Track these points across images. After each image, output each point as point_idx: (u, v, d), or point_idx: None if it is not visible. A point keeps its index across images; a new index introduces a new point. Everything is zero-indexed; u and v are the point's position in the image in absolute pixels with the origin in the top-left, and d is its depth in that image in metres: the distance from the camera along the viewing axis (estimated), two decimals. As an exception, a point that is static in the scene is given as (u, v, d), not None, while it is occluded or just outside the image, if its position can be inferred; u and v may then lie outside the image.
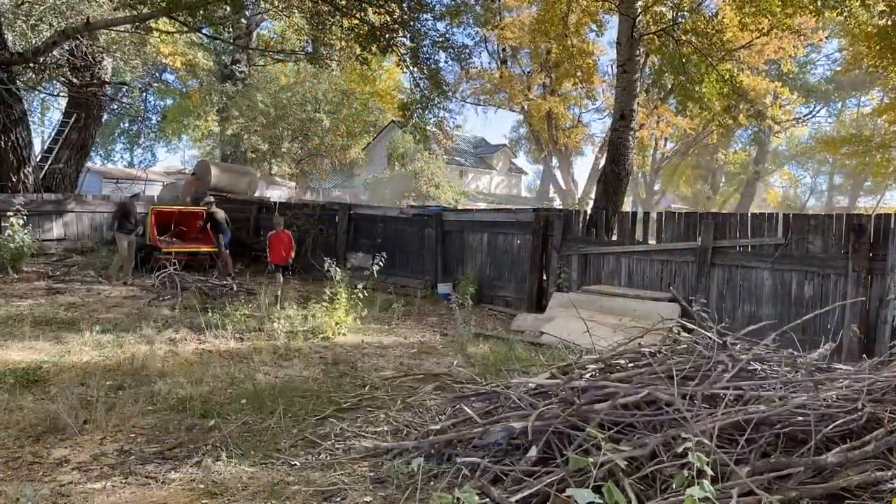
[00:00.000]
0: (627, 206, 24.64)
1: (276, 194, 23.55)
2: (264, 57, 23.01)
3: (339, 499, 3.55)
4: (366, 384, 6.03)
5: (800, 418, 3.46)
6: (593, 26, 23.65)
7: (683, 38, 12.61)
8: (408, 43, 15.40)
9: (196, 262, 13.40)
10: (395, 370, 6.65)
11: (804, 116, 31.62)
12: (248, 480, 3.73)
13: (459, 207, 21.28)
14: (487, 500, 3.02)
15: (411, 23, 15.02)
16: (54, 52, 13.96)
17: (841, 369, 4.41)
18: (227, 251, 13.10)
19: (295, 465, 4.00)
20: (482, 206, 27.14)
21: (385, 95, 29.97)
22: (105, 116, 21.42)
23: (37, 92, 19.64)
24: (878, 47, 14.72)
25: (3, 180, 13.77)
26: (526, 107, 30.26)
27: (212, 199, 13.63)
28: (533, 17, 24.38)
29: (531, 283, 10.59)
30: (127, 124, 31.29)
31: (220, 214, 13.17)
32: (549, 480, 3.12)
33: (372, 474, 3.85)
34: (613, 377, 4.24)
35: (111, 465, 3.93)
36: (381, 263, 8.96)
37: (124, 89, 20.69)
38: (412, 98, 16.86)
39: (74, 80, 15.01)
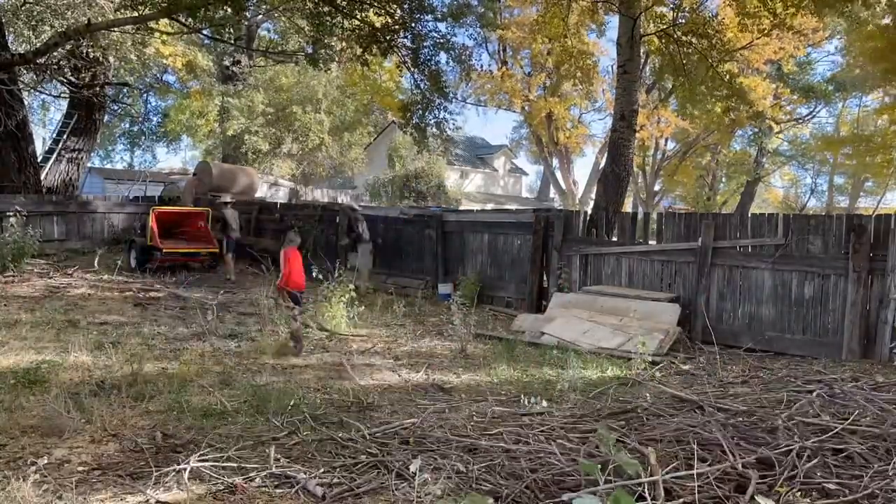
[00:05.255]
0: (628, 207, 24.62)
1: (277, 195, 23.58)
2: (265, 58, 23.03)
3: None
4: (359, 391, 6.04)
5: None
6: (593, 26, 23.67)
7: (684, 38, 12.62)
8: (409, 44, 15.42)
9: (196, 263, 13.43)
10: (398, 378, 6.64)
11: (804, 117, 31.57)
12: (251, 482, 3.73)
13: (461, 208, 21.29)
14: None
15: (412, 24, 15.03)
16: (55, 54, 13.98)
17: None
18: (231, 254, 13.13)
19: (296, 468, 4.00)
20: (489, 206, 27.14)
21: (385, 96, 29.97)
22: (106, 117, 21.44)
23: (38, 93, 19.68)
24: (878, 46, 14.75)
25: (4, 181, 13.80)
26: (526, 107, 30.26)
27: (228, 199, 13.61)
28: (533, 17, 24.38)
29: (531, 283, 10.59)
30: (127, 125, 31.33)
31: (231, 214, 13.28)
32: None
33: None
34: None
35: (112, 465, 3.93)
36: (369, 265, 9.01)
37: (125, 90, 20.74)
38: (412, 99, 16.87)
39: (75, 81, 15.04)
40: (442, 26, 16.75)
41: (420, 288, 11.83)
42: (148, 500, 3.49)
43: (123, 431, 4.47)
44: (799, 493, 3.42)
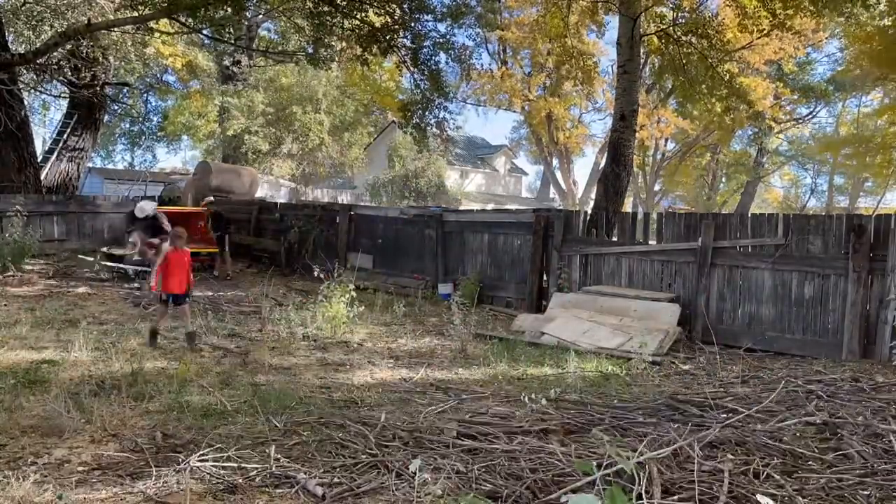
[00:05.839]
0: (628, 207, 24.64)
1: (277, 195, 23.61)
2: (265, 57, 23.05)
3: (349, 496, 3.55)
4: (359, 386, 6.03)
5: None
6: (593, 27, 23.68)
7: (684, 38, 12.62)
8: (408, 44, 15.43)
9: (197, 262, 13.44)
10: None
11: (804, 117, 31.60)
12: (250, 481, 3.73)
13: (461, 208, 21.29)
14: None
15: (412, 24, 15.05)
16: (55, 54, 13.99)
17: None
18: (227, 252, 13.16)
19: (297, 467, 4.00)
20: (489, 206, 27.16)
21: (385, 96, 29.98)
22: (106, 117, 21.45)
23: (38, 93, 19.68)
24: (879, 47, 14.77)
25: (4, 181, 13.80)
26: (526, 107, 30.28)
27: (212, 198, 13.77)
28: (533, 17, 24.41)
29: (531, 283, 10.59)
30: (128, 125, 31.36)
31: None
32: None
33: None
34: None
35: (112, 465, 3.93)
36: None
37: (125, 90, 20.75)
38: (413, 99, 16.88)
39: (75, 81, 15.04)
40: (442, 26, 16.78)
41: (420, 288, 11.84)
42: (148, 500, 3.49)
43: (123, 431, 4.47)
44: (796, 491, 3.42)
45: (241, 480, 3.71)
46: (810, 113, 31.48)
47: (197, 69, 24.70)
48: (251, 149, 24.28)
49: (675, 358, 7.59)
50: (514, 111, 32.95)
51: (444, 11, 16.34)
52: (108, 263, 12.02)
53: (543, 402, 5.27)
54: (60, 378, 5.60)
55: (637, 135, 14.21)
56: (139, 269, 11.72)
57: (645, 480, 3.27)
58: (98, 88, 15.92)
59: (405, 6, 14.82)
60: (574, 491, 3.36)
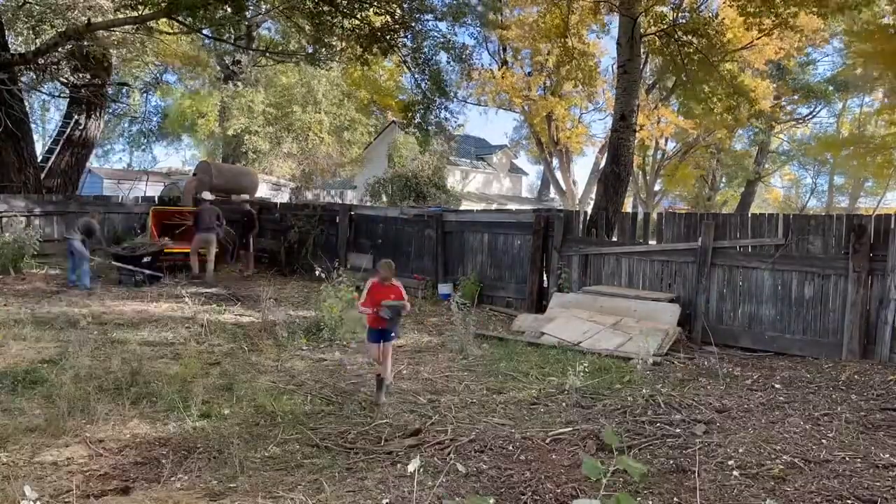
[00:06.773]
0: (628, 207, 24.62)
1: (278, 195, 23.60)
2: (265, 57, 23.03)
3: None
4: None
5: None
6: (594, 27, 23.68)
7: (684, 38, 12.61)
8: (409, 44, 15.42)
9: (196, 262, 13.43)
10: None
11: (804, 117, 31.58)
12: (247, 482, 3.73)
13: (461, 208, 21.27)
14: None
15: (412, 23, 15.04)
16: (55, 54, 13.97)
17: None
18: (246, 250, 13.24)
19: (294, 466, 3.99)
20: (491, 206, 27.13)
21: (385, 96, 29.98)
22: (106, 117, 21.43)
23: (38, 92, 19.65)
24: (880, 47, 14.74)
25: (4, 181, 13.79)
26: (526, 107, 30.25)
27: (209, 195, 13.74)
28: (534, 17, 24.39)
29: (531, 283, 10.59)
30: (128, 125, 31.31)
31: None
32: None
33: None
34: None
35: (112, 465, 3.93)
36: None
37: (125, 90, 20.73)
38: (413, 99, 16.87)
39: (76, 81, 15.02)
40: (442, 25, 16.75)
41: (420, 288, 11.84)
42: (148, 500, 3.49)
43: (124, 432, 4.47)
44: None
45: (240, 480, 3.71)
46: (811, 113, 31.45)
47: (199, 67, 24.67)
48: (251, 149, 24.26)
49: (675, 358, 7.59)
50: (515, 111, 32.90)
51: (444, 11, 16.33)
52: (116, 264, 11.95)
53: (549, 395, 5.27)
54: (60, 379, 5.59)
55: (637, 135, 14.19)
56: (147, 272, 11.69)
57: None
58: (98, 88, 15.90)
59: (406, 6, 14.80)
60: (574, 490, 3.36)
